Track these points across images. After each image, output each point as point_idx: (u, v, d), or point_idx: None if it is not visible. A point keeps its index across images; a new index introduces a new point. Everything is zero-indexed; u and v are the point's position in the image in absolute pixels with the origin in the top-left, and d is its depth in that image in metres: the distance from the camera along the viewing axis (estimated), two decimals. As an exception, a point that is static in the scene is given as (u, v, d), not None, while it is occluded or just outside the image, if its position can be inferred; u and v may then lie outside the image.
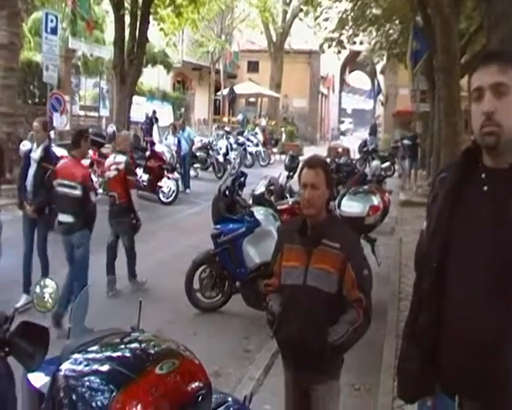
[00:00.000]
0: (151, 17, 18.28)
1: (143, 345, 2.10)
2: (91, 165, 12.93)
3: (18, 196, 6.75)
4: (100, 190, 12.60)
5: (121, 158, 7.57)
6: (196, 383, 1.97)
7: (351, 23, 21.17)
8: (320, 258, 2.78)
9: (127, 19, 17.79)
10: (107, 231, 7.43)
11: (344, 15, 21.04)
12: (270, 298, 3.00)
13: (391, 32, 22.30)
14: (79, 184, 5.70)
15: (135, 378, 1.82)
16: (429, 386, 2.03)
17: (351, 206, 7.25)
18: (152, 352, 2.04)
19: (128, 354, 2.01)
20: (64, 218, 5.84)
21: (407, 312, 2.22)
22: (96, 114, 22.93)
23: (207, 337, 5.60)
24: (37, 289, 2.63)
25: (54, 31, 14.56)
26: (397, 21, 20.69)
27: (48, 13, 14.94)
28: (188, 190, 15.04)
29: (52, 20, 14.54)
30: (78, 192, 5.70)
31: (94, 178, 12.65)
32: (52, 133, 12.28)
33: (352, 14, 20.67)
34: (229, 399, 2.42)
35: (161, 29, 20.12)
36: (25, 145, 10.85)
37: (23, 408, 2.45)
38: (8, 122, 12.34)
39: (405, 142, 18.04)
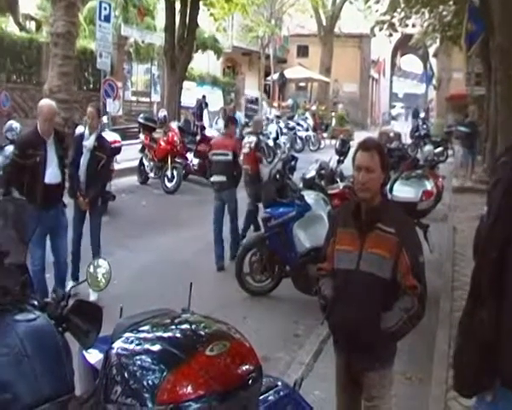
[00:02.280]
0: (201, 3, 18.36)
1: (194, 326, 2.10)
2: (143, 149, 13.14)
3: (70, 184, 6.42)
4: (151, 174, 12.82)
5: (253, 138, 8.59)
6: (247, 366, 1.95)
7: (403, 5, 20.56)
8: (374, 243, 2.72)
9: (178, 5, 17.92)
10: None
11: (396, -3, 20.51)
12: (322, 282, 2.96)
13: (444, 13, 21.56)
14: (230, 151, 7.47)
15: (186, 359, 1.82)
16: (488, 381, 1.92)
17: (403, 190, 7.08)
18: (202, 333, 2.03)
19: (179, 335, 2.01)
20: (218, 178, 7.61)
21: (461, 302, 2.14)
22: (147, 100, 23.29)
23: (257, 321, 5.60)
24: (91, 269, 2.69)
25: (107, 18, 14.82)
26: (451, 2, 19.98)
27: (102, 1, 15.19)
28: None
29: (106, 8, 14.80)
30: (229, 158, 7.44)
31: (145, 163, 12.88)
32: (105, 118, 12.52)
33: (404, -5, 20.11)
34: (279, 383, 2.41)
35: (211, 14, 20.17)
36: (79, 130, 11.12)
37: (79, 382, 2.52)
38: (65, 108, 12.63)
39: (462, 129, 16.66)
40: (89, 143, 6.32)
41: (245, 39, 30.74)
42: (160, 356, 1.85)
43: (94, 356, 2.58)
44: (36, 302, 2.45)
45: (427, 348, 4.94)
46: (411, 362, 4.63)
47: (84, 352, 2.62)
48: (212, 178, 7.77)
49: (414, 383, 4.50)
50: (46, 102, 5.62)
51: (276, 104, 31.05)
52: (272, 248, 6.25)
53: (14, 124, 8.61)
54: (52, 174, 5.52)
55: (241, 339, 2.03)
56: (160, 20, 20.95)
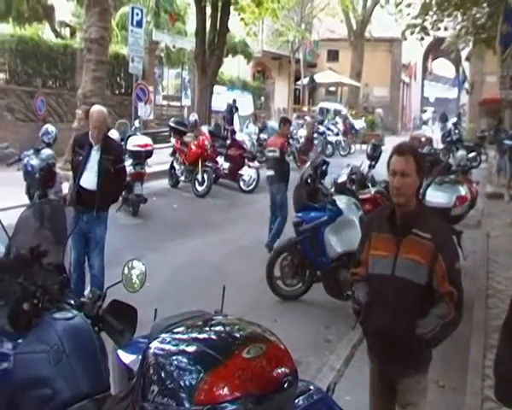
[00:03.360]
0: (232, 7, 18.46)
1: (229, 328, 2.10)
2: (174, 153, 13.24)
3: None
4: (182, 178, 12.91)
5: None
6: (283, 369, 1.94)
7: (435, 8, 20.29)
8: (410, 248, 2.69)
9: (208, 10, 18.05)
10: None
11: (428, 0, 20.24)
12: (356, 287, 2.93)
13: (478, 16, 21.16)
14: (278, 149, 8.34)
15: (223, 361, 1.82)
16: None
17: (437, 196, 6.98)
18: (238, 336, 2.03)
19: (214, 337, 2.02)
20: (268, 173, 8.63)
21: (495, 309, 2.10)
22: (178, 104, 23.48)
23: (287, 325, 5.57)
24: (126, 270, 2.72)
25: (139, 24, 15.04)
26: (484, 4, 19.63)
27: (134, 7, 15.46)
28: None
29: (137, 14, 15.03)
30: (277, 154, 8.31)
31: (176, 166, 12.98)
32: (137, 122, 12.67)
33: (437, -2, 19.82)
34: (312, 387, 2.39)
35: (242, 19, 20.24)
36: (112, 134, 11.25)
37: (113, 381, 2.55)
38: (97, 112, 12.82)
39: (508, 142, 14.81)
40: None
41: (275, 44, 30.78)
42: (196, 357, 1.86)
43: (128, 356, 2.61)
44: (73, 302, 2.50)
45: (461, 357, 4.85)
46: (444, 370, 4.54)
47: (118, 352, 2.65)
48: (266, 173, 8.92)
49: (447, 391, 4.43)
50: (96, 109, 5.59)
51: (306, 109, 30.99)
52: (303, 252, 6.22)
53: (50, 128, 8.75)
54: (88, 179, 5.49)
55: (276, 342, 2.03)
56: (191, 24, 21.15)
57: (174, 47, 22.63)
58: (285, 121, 9.07)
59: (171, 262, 7.46)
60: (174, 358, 1.86)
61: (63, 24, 23.91)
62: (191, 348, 1.90)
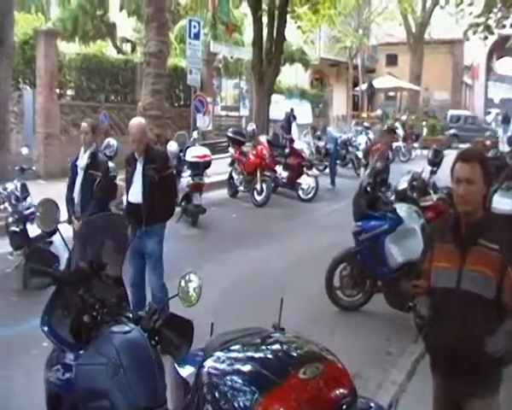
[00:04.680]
0: (288, 16, 18.45)
1: (285, 347, 2.05)
2: (232, 163, 13.33)
3: (66, 210, 6.10)
4: (241, 188, 12.97)
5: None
6: (341, 390, 1.87)
7: (499, 5, 19.56)
8: (476, 259, 2.55)
9: (265, 19, 18.11)
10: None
11: (492, -3, 19.52)
12: (418, 300, 2.80)
13: (546, 11, 20.28)
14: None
15: (278, 382, 1.77)
16: None
17: (504, 203, 6.65)
18: (295, 354, 1.98)
19: (270, 356, 1.97)
20: None
21: None
22: (236, 114, 23.65)
23: (347, 337, 5.46)
24: (183, 283, 2.71)
25: (197, 36, 15.29)
26: (554, -2, 18.76)
27: (191, 20, 15.74)
28: (331, 186, 14.97)
29: (195, 26, 15.29)
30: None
31: (235, 176, 13.04)
32: (195, 133, 12.83)
33: (502, -6, 19.09)
34: (372, 404, 2.31)
35: (299, 27, 20.23)
36: (171, 146, 11.47)
37: (171, 395, 2.54)
38: (157, 124, 13.10)
39: None
40: (81, 162, 6.20)
41: (332, 50, 30.59)
42: (251, 378, 1.82)
43: (185, 370, 2.60)
44: (130, 315, 2.51)
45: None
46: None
47: (175, 365, 2.64)
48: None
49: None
50: (134, 122, 5.47)
51: (365, 115, 30.57)
52: (363, 262, 6.08)
53: (112, 141, 8.99)
54: (134, 193, 5.35)
55: (334, 361, 1.96)
56: (248, 35, 21.29)
57: (232, 58, 22.86)
58: (389, 131, 9.31)
59: (229, 273, 7.45)
60: (228, 378, 1.83)
61: (124, 40, 24.66)
62: (246, 368, 1.86)
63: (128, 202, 5.46)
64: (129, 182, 5.44)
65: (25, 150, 8.50)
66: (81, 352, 2.38)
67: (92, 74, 16.56)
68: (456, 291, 2.58)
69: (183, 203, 10.33)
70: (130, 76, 17.53)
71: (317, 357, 1.94)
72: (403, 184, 6.84)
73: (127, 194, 5.47)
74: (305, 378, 1.78)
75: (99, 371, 2.23)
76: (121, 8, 23.03)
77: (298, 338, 2.15)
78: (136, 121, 5.51)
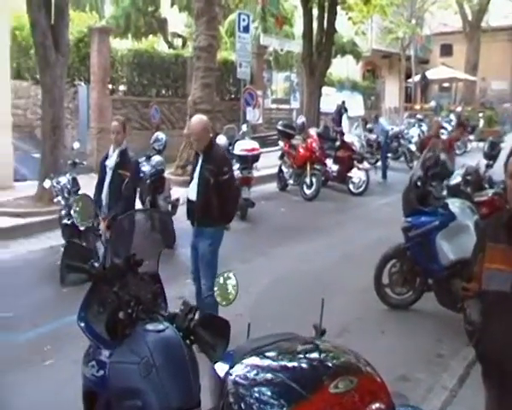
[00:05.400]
0: (339, 7, 18.14)
1: (318, 357, 1.93)
2: (282, 156, 13.23)
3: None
4: (290, 181, 12.86)
5: None
6: (377, 405, 1.73)
7: None
8: (533, 261, 2.35)
9: (315, 11, 17.88)
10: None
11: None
12: (468, 304, 2.61)
13: None
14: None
15: (307, 396, 1.66)
16: None
17: None
18: (329, 365, 1.86)
19: (302, 366, 1.86)
20: None
21: None
22: (287, 107, 23.52)
23: (396, 337, 5.29)
24: (221, 281, 2.65)
25: (246, 29, 15.25)
26: None
27: (240, 13, 15.73)
28: (382, 180, 14.68)
29: (244, 20, 15.26)
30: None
31: (285, 170, 12.95)
32: (244, 126, 12.80)
33: None
34: None
35: (349, 18, 19.84)
36: (220, 139, 11.46)
37: (210, 395, 2.48)
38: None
39: None
40: (110, 161, 6.01)
41: (384, 41, 29.94)
42: (279, 390, 1.72)
43: (224, 369, 2.54)
44: (165, 313, 2.47)
45: None
46: None
47: (213, 365, 2.58)
48: None
49: None
50: (194, 120, 5.28)
51: (418, 107, 29.81)
52: (413, 259, 5.87)
53: (160, 135, 9.07)
54: (191, 189, 5.22)
55: (371, 374, 1.83)
56: (299, 27, 21.10)
57: (282, 50, 22.73)
58: (460, 124, 8.56)
59: (277, 267, 7.40)
60: (256, 389, 1.74)
61: (175, 35, 24.93)
62: (274, 380, 1.77)
63: (187, 197, 5.34)
64: (191, 176, 5.32)
65: (76, 145, 8.67)
66: (114, 349, 2.35)
67: (143, 69, 16.80)
68: (511, 295, 2.39)
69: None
70: (180, 70, 17.69)
71: (353, 369, 1.81)
72: (456, 179, 6.56)
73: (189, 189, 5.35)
74: (337, 392, 1.67)
75: (131, 369, 2.19)
76: (172, 4, 23.28)
77: (336, 348, 2.02)
78: (195, 119, 5.31)
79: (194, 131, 5.16)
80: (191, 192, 5.21)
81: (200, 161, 5.17)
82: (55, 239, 7.75)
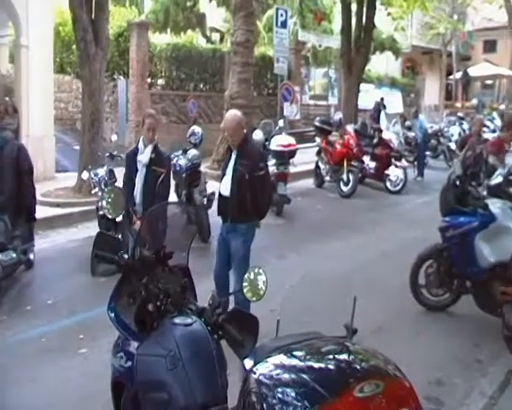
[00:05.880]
0: (378, 2, 17.90)
1: (349, 358, 1.86)
2: (319, 152, 13.12)
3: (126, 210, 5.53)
4: (327, 178, 12.74)
5: None
6: None
7: None
8: None
9: (354, 7, 17.68)
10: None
11: None
12: (506, 310, 2.51)
13: None
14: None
15: (331, 400, 1.60)
16: None
17: None
18: (357, 368, 1.79)
19: (328, 367, 1.80)
20: None
21: None
22: (325, 103, 23.37)
23: (432, 339, 5.14)
24: (252, 276, 2.62)
25: (283, 24, 15.20)
26: None
27: (278, 8, 15.69)
28: (419, 178, 14.40)
29: (282, 15, 15.21)
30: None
31: (321, 166, 12.84)
32: (281, 122, 12.74)
33: None
34: None
35: (389, 14, 19.57)
36: (257, 134, 11.43)
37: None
38: (243, 113, 12.96)
39: None
40: (144, 157, 5.76)
41: (425, 37, 29.43)
42: (303, 391, 1.66)
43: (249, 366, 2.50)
44: (194, 307, 2.44)
45: None
46: None
47: (243, 361, 2.55)
48: None
49: None
50: (228, 115, 5.22)
51: (459, 104, 29.18)
52: (451, 260, 5.68)
53: (197, 129, 9.08)
54: (224, 185, 5.10)
55: (399, 378, 1.75)
56: (337, 23, 20.91)
57: (320, 46, 22.57)
58: (509, 126, 8.25)
59: (311, 264, 7.33)
60: (279, 390, 1.69)
61: (213, 30, 25.02)
62: (297, 381, 1.71)
63: (219, 193, 5.22)
64: (223, 171, 5.21)
65: (114, 137, 8.78)
66: (142, 341, 2.34)
67: (182, 64, 16.93)
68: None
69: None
70: (218, 65, 17.75)
71: (381, 373, 1.74)
72: (497, 178, 6.33)
73: (221, 184, 5.23)
74: (362, 397, 1.60)
75: (158, 362, 2.18)
76: (211, -1, 23.38)
77: (365, 350, 1.95)
78: (229, 114, 5.26)
79: (229, 127, 5.07)
80: (224, 188, 5.12)
81: (233, 157, 5.09)
82: (94, 229, 7.85)
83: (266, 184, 5.23)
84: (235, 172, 5.00)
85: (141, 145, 5.82)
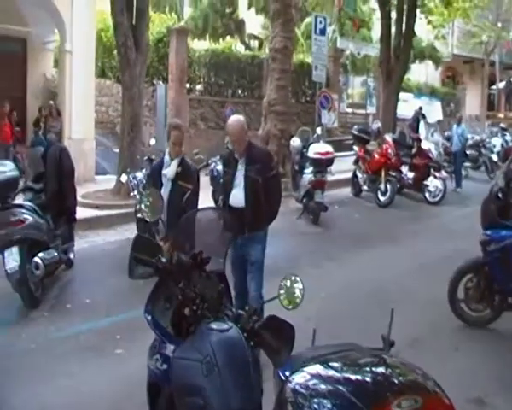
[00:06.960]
0: (418, 10, 17.67)
1: (387, 371, 1.81)
2: (357, 161, 13.02)
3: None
4: (364, 187, 12.62)
5: None
6: None
7: None
8: None
9: (394, 14, 17.50)
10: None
11: None
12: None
13: None
14: None
15: None
16: None
17: None
18: (395, 381, 1.74)
19: (366, 380, 1.75)
20: None
21: None
22: (363, 111, 23.22)
23: (471, 356, 4.98)
24: (288, 283, 2.60)
25: (322, 32, 15.17)
26: None
27: (317, 16, 15.68)
28: (458, 189, 14.12)
29: (321, 22, 15.19)
30: None
31: (359, 175, 12.74)
32: (319, 130, 12.69)
33: None
34: None
35: (429, 22, 19.27)
36: (294, 141, 11.43)
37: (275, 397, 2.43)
38: (281, 120, 13.16)
39: None
40: (169, 171, 5.30)
41: (466, 46, 28.87)
42: (339, 404, 1.63)
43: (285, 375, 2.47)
44: (230, 313, 2.43)
45: None
46: None
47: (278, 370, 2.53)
48: None
49: None
50: (230, 122, 4.91)
51: (501, 115, 28.54)
52: (492, 275, 5.51)
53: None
54: (236, 197, 4.80)
55: (439, 394, 1.69)
56: (377, 31, 20.76)
57: (359, 54, 22.43)
58: None
59: (348, 273, 7.25)
60: (315, 400, 1.66)
61: (252, 36, 25.15)
62: (334, 392, 1.67)
63: (229, 206, 4.84)
64: (229, 184, 4.87)
65: (153, 141, 8.88)
66: (178, 345, 2.35)
67: (220, 70, 17.06)
68: None
69: (304, 200, 10.29)
70: (256, 72, 17.82)
71: (419, 388, 1.68)
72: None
73: (227, 197, 4.89)
74: None
75: (194, 366, 2.17)
76: (249, 6, 23.50)
77: (404, 364, 1.89)
78: (232, 120, 4.93)
79: (234, 132, 4.79)
80: (235, 200, 4.80)
81: (240, 167, 4.82)
82: (132, 232, 7.97)
83: (279, 183, 5.10)
84: (247, 181, 4.76)
85: (167, 158, 5.39)
